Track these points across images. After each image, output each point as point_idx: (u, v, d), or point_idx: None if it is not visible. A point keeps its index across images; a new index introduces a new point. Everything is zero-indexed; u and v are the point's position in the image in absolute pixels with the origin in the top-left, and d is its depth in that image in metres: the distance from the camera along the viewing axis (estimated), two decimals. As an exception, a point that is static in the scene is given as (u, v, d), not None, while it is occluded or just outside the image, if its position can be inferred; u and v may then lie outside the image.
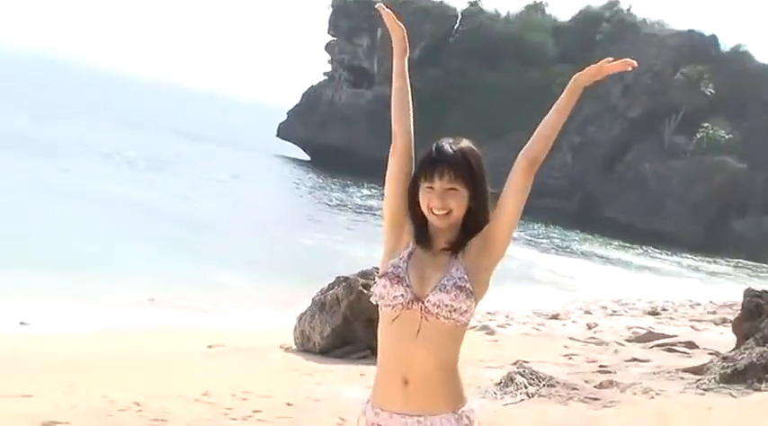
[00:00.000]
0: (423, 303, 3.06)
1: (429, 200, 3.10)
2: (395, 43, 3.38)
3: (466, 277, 3.08)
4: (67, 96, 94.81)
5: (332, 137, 68.84)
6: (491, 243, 3.16)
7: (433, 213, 3.11)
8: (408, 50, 3.39)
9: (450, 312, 3.05)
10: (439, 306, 3.05)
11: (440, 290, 3.06)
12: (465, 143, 3.19)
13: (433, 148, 3.15)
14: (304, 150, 72.61)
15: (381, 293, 3.14)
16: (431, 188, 3.10)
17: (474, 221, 3.15)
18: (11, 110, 59.30)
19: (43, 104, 73.89)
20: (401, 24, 3.38)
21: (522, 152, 3.19)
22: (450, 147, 3.14)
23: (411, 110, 3.36)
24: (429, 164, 3.12)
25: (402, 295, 3.09)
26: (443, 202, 3.09)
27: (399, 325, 3.10)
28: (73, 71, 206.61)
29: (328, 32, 72.41)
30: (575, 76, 3.24)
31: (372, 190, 55.06)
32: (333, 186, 54.82)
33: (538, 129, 3.20)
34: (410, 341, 3.08)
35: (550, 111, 3.22)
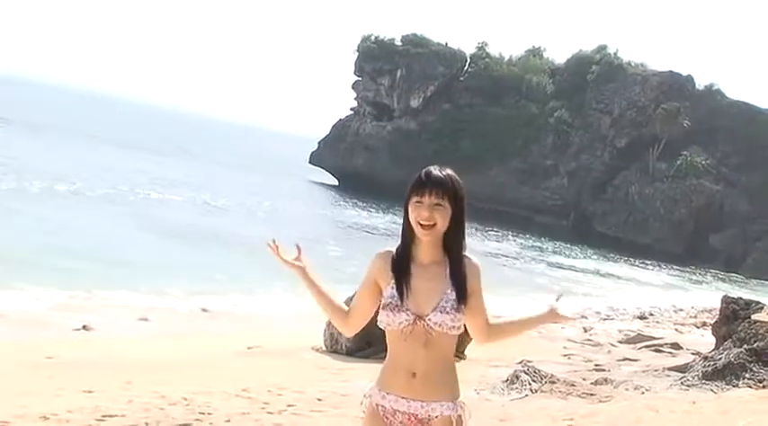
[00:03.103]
0: (425, 321, 3.16)
1: (418, 213, 3.16)
2: (299, 278, 3.42)
3: (458, 298, 3.18)
4: (129, 131, 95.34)
5: (357, 164, 69.55)
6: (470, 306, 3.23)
7: (420, 225, 3.15)
8: (311, 277, 3.43)
9: (449, 329, 3.18)
10: (441, 325, 3.16)
11: (440, 312, 3.16)
12: (449, 170, 3.22)
13: (423, 173, 3.20)
14: (332, 175, 72.99)
15: (387, 321, 3.24)
16: (420, 202, 3.16)
17: (453, 236, 3.21)
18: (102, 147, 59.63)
19: (111, 139, 74.41)
20: (291, 260, 3.43)
21: (487, 329, 3.28)
22: (439, 172, 3.19)
23: (344, 310, 3.48)
24: (420, 185, 3.17)
25: (405, 320, 3.19)
26: (430, 214, 3.13)
27: (409, 339, 3.20)
28: (133, 107, 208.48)
29: (354, 73, 73.05)
30: (551, 309, 3.41)
31: (392, 209, 54.99)
32: (357, 207, 54.74)
33: (500, 331, 3.32)
34: (418, 348, 3.19)
35: (516, 324, 3.38)
